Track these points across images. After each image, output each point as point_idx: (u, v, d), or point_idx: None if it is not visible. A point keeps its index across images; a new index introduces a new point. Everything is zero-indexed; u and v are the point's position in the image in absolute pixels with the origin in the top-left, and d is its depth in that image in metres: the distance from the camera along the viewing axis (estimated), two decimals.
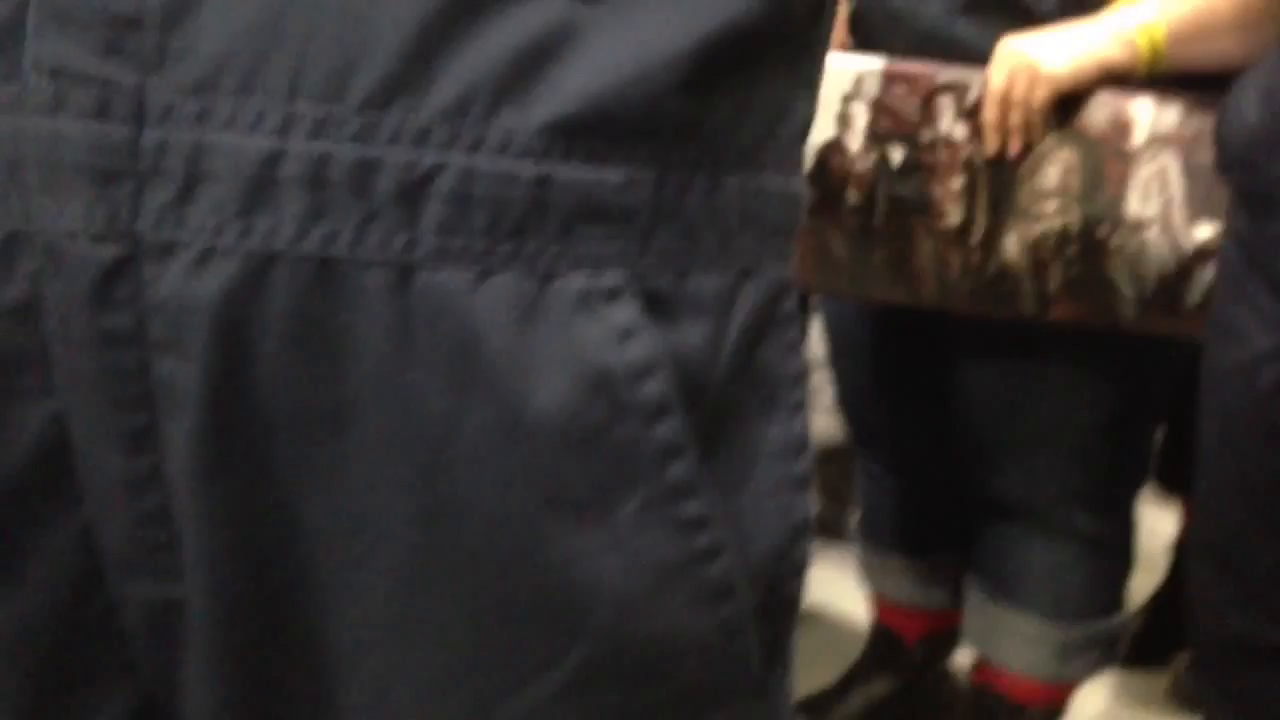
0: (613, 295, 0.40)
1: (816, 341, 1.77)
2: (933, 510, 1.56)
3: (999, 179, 1.19)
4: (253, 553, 0.41)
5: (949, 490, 1.52)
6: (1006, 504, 1.41)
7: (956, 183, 1.20)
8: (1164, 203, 1.17)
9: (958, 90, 1.20)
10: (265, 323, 0.39)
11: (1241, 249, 1.02)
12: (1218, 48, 1.15)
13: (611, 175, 0.40)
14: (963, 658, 1.62)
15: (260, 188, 0.38)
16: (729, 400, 0.43)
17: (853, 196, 1.22)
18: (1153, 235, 1.17)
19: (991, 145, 1.18)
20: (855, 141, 1.22)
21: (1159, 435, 1.50)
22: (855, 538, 1.62)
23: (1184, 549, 1.66)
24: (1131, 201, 1.17)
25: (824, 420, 1.96)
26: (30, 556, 0.43)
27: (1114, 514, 1.42)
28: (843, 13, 1.35)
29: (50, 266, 0.40)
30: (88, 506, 0.42)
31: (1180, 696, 1.63)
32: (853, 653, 1.65)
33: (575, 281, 0.39)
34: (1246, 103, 0.99)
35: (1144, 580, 1.65)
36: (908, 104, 1.20)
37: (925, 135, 1.20)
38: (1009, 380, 1.34)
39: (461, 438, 0.39)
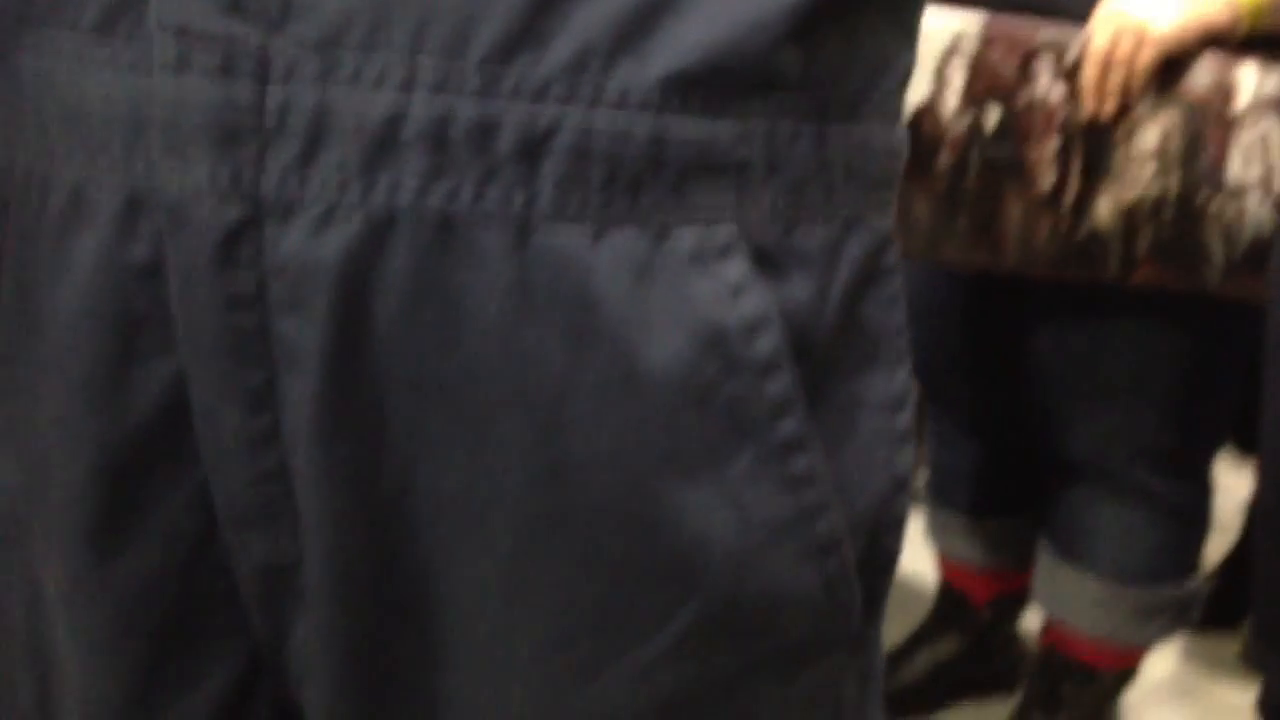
0: (725, 251, 0.40)
1: None
2: (1004, 473, 1.56)
3: (1094, 142, 1.17)
4: (368, 512, 0.41)
5: (1021, 452, 1.52)
6: (1079, 464, 1.40)
7: (1051, 146, 1.18)
8: (1265, 169, 1.15)
9: (1057, 50, 1.17)
10: (385, 283, 0.38)
11: None
12: None
13: (725, 128, 0.39)
14: (1031, 620, 1.62)
15: (383, 145, 0.38)
16: (834, 354, 0.43)
17: (944, 159, 1.20)
18: (1252, 202, 1.15)
19: (1089, 106, 1.16)
20: (951, 101, 1.19)
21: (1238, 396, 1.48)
22: (924, 498, 1.62)
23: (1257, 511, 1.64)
24: (1232, 167, 1.15)
25: None
26: (150, 514, 0.43)
27: (1188, 477, 1.41)
28: None
29: (173, 227, 0.40)
30: (205, 465, 0.42)
31: (1251, 660, 1.63)
32: (920, 613, 1.66)
33: (688, 237, 0.39)
34: None
35: (1218, 541, 1.64)
36: (1006, 64, 1.18)
37: (1021, 97, 1.18)
38: (1085, 333, 1.33)
39: (578, 396, 0.39)
